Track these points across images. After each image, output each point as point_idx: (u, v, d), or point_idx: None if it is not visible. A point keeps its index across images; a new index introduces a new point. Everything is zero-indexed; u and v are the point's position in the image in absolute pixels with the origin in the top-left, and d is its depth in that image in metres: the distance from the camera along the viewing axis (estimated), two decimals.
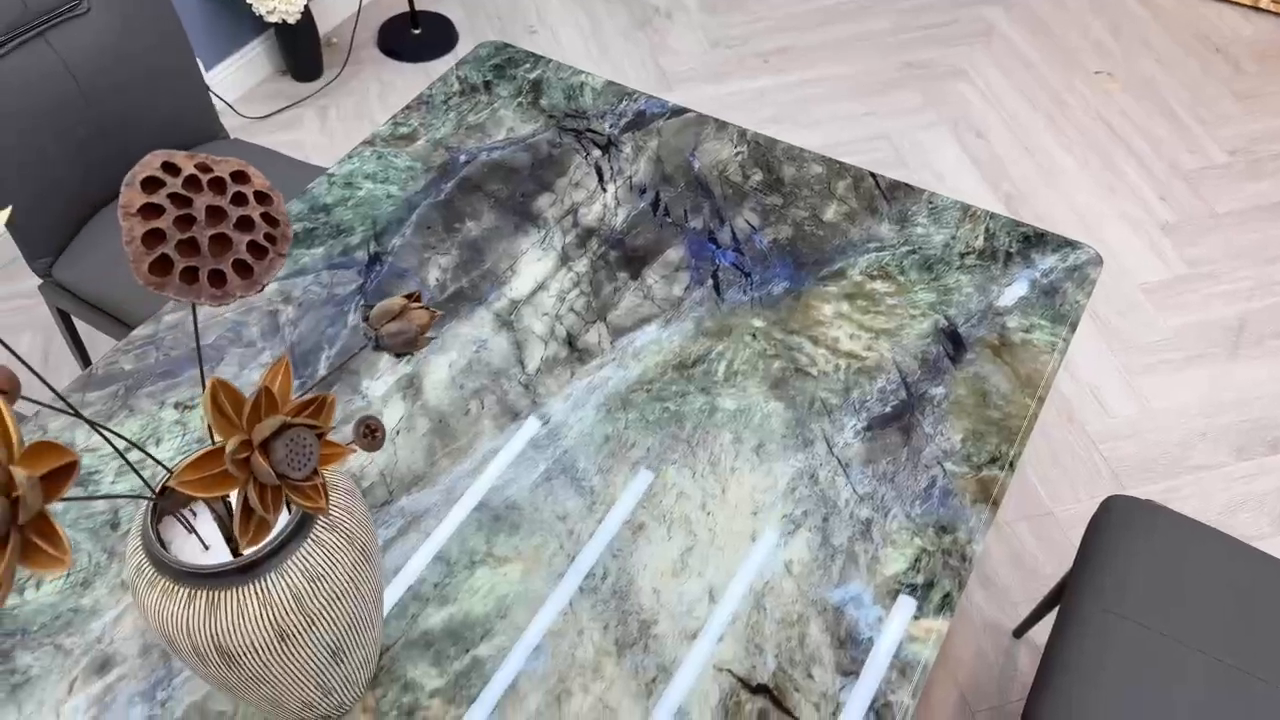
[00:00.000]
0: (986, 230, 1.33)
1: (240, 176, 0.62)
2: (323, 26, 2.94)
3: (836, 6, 3.10)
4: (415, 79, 2.84)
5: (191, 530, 0.78)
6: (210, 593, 0.72)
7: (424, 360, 1.20)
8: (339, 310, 1.25)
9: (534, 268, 1.30)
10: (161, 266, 0.58)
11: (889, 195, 1.38)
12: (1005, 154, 2.64)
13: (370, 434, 0.65)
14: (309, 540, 0.74)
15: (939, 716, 1.68)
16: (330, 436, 0.91)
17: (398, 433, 1.13)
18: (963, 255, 1.31)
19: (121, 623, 0.98)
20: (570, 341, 1.22)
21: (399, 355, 0.68)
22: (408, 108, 1.51)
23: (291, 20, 2.53)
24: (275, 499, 0.63)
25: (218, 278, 0.59)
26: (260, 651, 0.74)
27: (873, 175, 1.40)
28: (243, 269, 0.60)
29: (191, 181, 0.60)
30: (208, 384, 0.60)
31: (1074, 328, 1.23)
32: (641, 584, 1.02)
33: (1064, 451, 2.02)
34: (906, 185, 1.39)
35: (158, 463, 0.68)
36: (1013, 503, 1.94)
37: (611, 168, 1.43)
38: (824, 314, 1.24)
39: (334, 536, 0.76)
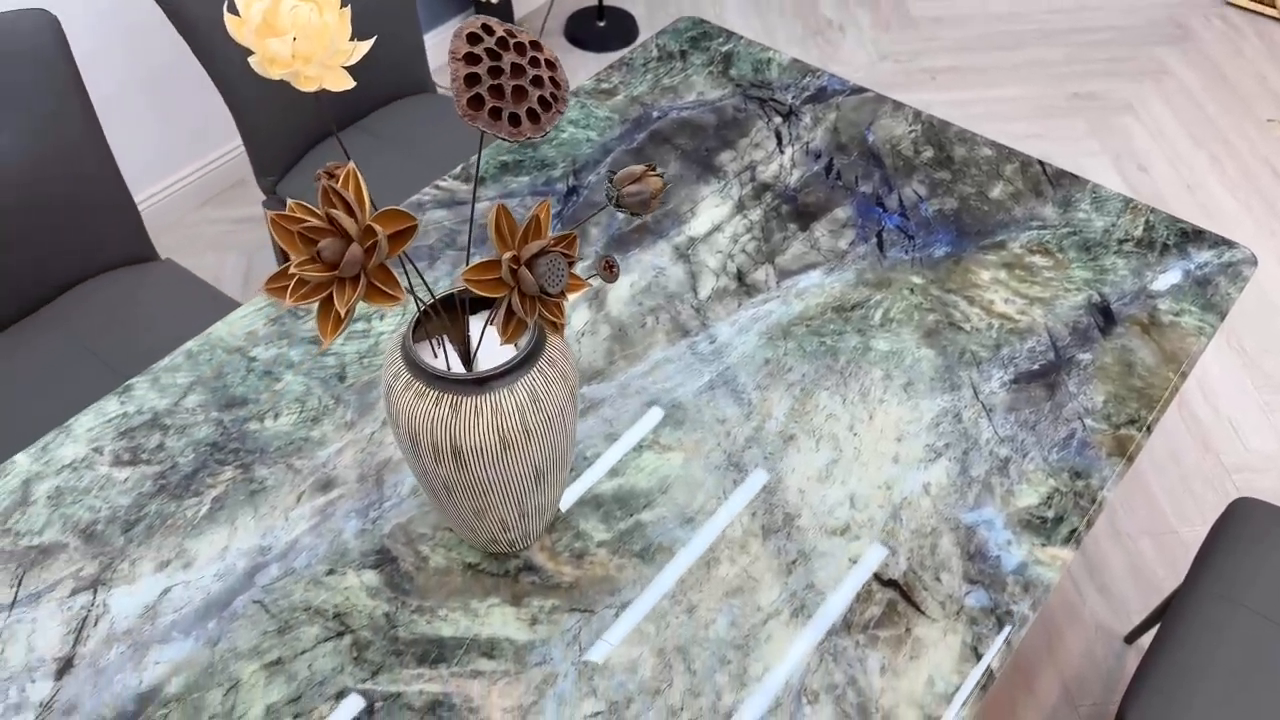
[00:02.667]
0: (1146, 222, 1.40)
1: (536, 46, 0.77)
2: (518, 11, 3.16)
3: (1010, 34, 3.16)
4: (595, 67, 3.03)
5: (437, 354, 0.93)
6: (454, 398, 0.87)
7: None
8: None
9: (712, 212, 1.43)
10: (474, 104, 0.73)
11: (1055, 181, 1.46)
12: (1166, 190, 2.65)
13: (608, 269, 0.79)
14: (534, 369, 0.89)
15: (1042, 705, 1.73)
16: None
17: (582, 335, 1.28)
18: (1121, 242, 1.38)
19: (343, 454, 1.15)
20: (740, 277, 1.35)
21: (634, 214, 0.82)
22: (610, 67, 1.67)
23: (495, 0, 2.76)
24: (531, 308, 0.77)
25: (514, 120, 0.74)
26: (485, 455, 0.88)
27: (1040, 163, 1.49)
28: (532, 116, 0.75)
29: (501, 42, 0.75)
30: (494, 207, 0.74)
31: (1223, 317, 1.28)
32: (789, 484, 1.13)
33: (1196, 477, 2.03)
34: (1072, 175, 1.47)
35: (426, 294, 0.83)
36: (1137, 517, 1.96)
37: (790, 133, 1.55)
38: (981, 279, 1.33)
39: (552, 370, 0.90)
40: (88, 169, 1.57)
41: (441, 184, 1.46)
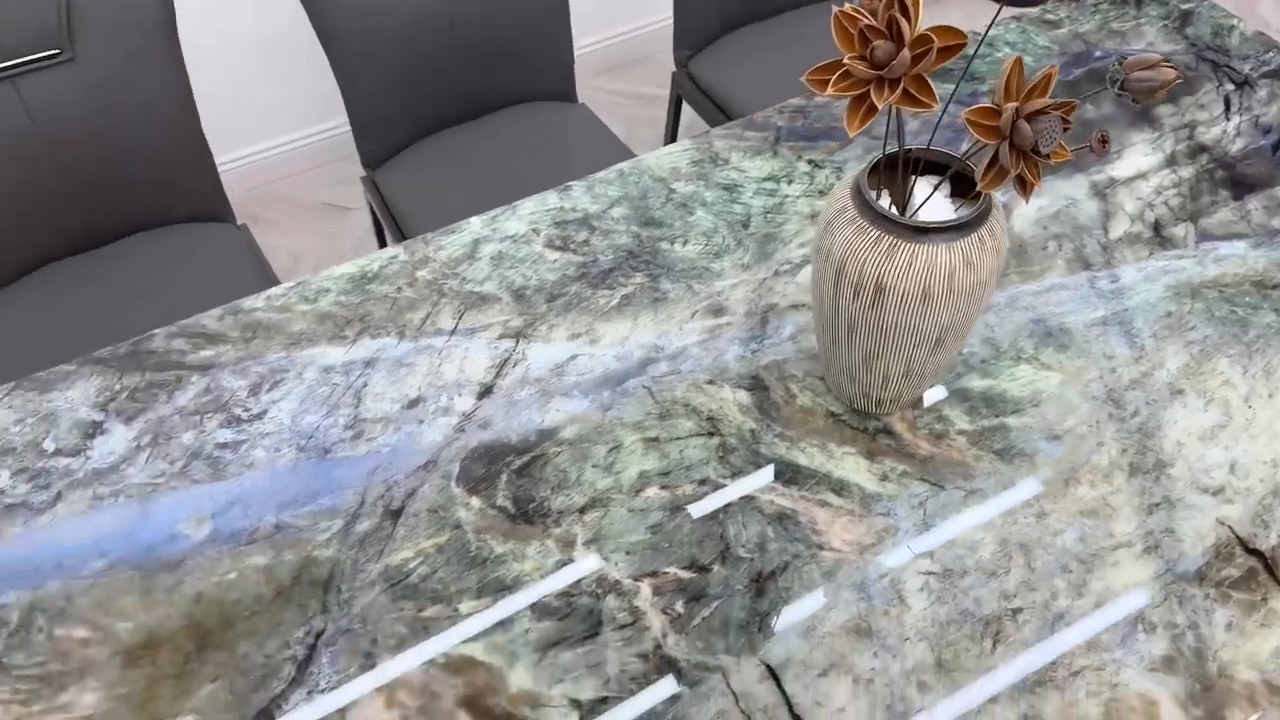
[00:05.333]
0: None
1: None
2: None
3: None
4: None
5: (879, 197, 0.99)
6: (894, 240, 0.93)
7: (1017, 196, 1.35)
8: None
9: (1139, 160, 1.39)
10: None
11: None
12: None
13: (1102, 143, 0.81)
14: (974, 233, 0.93)
15: None
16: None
17: None
18: None
19: (736, 290, 1.25)
20: (1156, 228, 1.31)
21: (1135, 101, 0.83)
22: (1058, 1, 1.64)
23: None
24: (1016, 162, 0.81)
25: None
26: (904, 301, 0.94)
27: None
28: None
29: None
30: (1012, 59, 0.79)
31: None
32: (1168, 433, 1.11)
33: None
34: None
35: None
36: None
37: (1241, 103, 1.46)
38: None
39: (990, 239, 0.94)
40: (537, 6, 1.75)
41: None
